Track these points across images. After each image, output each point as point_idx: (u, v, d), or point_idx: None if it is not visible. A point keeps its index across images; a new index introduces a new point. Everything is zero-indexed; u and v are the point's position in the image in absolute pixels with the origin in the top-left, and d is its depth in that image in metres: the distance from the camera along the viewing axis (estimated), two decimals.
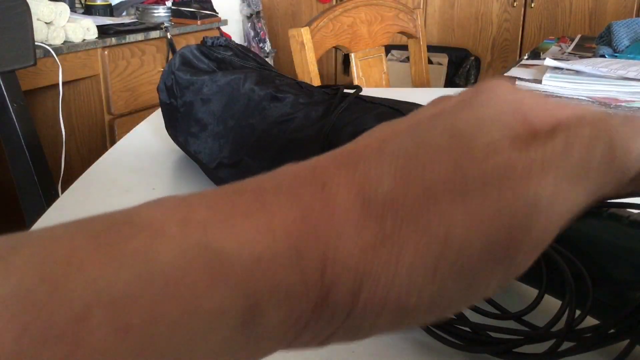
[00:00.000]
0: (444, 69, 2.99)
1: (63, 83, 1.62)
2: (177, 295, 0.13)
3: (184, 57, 0.53)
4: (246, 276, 0.14)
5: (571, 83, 1.11)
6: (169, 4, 2.29)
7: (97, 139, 1.88)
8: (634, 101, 1.05)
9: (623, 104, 1.05)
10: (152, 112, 0.77)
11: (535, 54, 1.56)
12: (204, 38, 0.55)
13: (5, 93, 0.99)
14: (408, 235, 0.15)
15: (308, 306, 0.15)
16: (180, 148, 0.54)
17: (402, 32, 1.45)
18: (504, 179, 0.15)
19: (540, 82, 1.14)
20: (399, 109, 0.39)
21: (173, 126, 0.54)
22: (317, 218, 0.15)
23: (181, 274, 0.13)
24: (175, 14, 2.19)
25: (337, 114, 0.40)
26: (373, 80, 1.38)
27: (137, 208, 0.15)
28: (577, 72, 1.13)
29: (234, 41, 0.57)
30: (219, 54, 0.53)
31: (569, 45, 1.63)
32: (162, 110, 0.55)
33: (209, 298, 0.13)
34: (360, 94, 0.43)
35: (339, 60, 3.32)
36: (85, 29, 1.73)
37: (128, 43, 1.87)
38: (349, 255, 0.15)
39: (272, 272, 0.14)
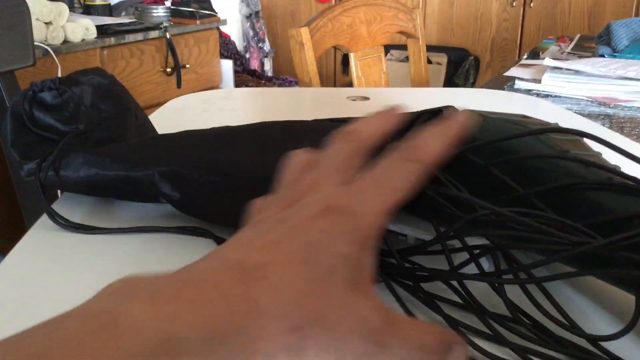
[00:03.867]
0: (443, 69, 2.99)
1: None
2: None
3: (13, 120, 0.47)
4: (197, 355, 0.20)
5: (570, 83, 1.11)
6: (168, 3, 2.29)
7: None
8: (633, 101, 1.05)
9: (622, 103, 1.05)
10: (151, 112, 0.77)
11: (535, 54, 1.56)
12: (31, 84, 0.48)
13: (4, 93, 0.99)
14: None
15: None
16: None
17: (401, 32, 1.45)
18: None
19: (539, 81, 1.14)
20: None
21: None
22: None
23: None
24: (174, 13, 2.19)
25: None
26: (372, 80, 1.38)
27: (116, 305, 0.21)
28: (577, 72, 1.13)
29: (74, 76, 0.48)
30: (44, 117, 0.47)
31: (568, 45, 1.63)
32: None
33: None
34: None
35: (339, 60, 3.32)
36: (84, 29, 1.73)
37: (127, 43, 1.87)
38: None
39: (213, 353, 0.21)
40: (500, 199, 0.32)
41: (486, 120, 0.35)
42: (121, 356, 0.19)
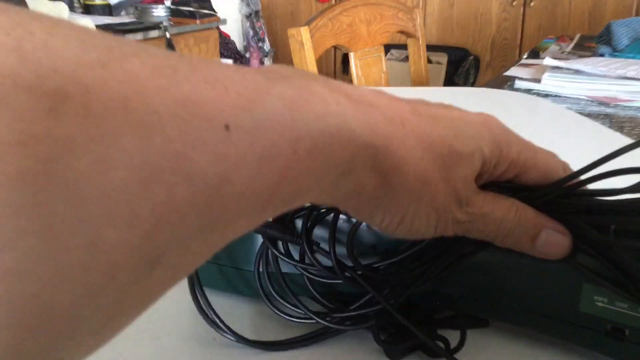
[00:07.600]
0: (443, 68, 2.99)
1: None
2: (334, 148, 0.20)
3: None
4: (362, 151, 0.22)
5: (570, 82, 1.11)
6: (167, 3, 2.28)
7: None
8: (633, 100, 1.05)
9: (622, 103, 1.05)
10: None
11: (535, 53, 1.56)
12: None
13: None
14: None
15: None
16: None
17: (401, 32, 1.45)
18: None
19: (539, 81, 1.14)
20: None
21: None
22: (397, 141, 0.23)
23: (337, 139, 0.20)
24: (174, 13, 2.19)
25: None
26: (372, 79, 1.38)
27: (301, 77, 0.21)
28: (577, 72, 1.13)
29: None
30: None
31: (569, 45, 1.63)
32: None
33: (344, 161, 0.21)
34: None
35: (339, 60, 3.32)
36: None
37: None
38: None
39: (373, 152, 0.22)
40: None
41: None
42: (304, 124, 0.19)
